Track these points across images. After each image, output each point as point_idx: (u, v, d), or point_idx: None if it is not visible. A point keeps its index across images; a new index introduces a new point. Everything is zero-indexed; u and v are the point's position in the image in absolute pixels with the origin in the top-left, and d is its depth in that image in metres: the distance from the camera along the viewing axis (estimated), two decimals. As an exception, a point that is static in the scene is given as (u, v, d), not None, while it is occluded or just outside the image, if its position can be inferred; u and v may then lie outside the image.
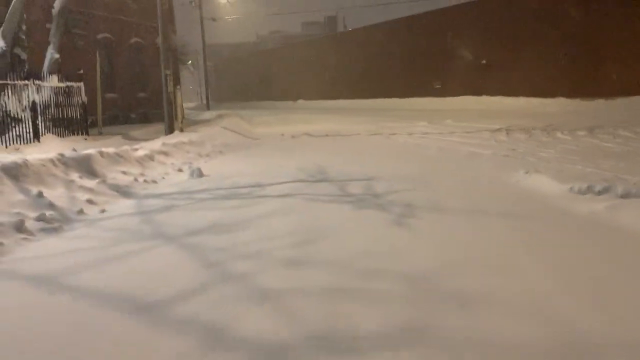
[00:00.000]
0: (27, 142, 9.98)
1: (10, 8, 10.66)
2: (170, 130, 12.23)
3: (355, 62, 33.21)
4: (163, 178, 6.90)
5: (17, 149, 9.09)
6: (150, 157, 7.40)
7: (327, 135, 12.62)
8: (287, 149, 10.11)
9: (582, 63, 20.30)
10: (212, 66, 60.99)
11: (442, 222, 4.17)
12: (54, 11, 12.18)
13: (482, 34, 24.36)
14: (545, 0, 21.49)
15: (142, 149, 7.57)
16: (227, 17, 44.08)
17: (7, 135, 9.67)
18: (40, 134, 10.41)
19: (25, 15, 11.05)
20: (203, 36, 32.79)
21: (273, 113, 27.57)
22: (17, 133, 9.83)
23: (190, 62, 44.37)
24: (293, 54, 40.91)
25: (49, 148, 8.69)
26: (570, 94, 20.36)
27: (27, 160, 4.95)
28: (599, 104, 18.71)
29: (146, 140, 10.95)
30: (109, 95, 18.68)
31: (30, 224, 4.13)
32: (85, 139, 11.68)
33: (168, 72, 12.15)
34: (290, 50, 42.11)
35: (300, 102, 38.75)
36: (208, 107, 31.64)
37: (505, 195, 5.10)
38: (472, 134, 11.63)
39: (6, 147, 9.36)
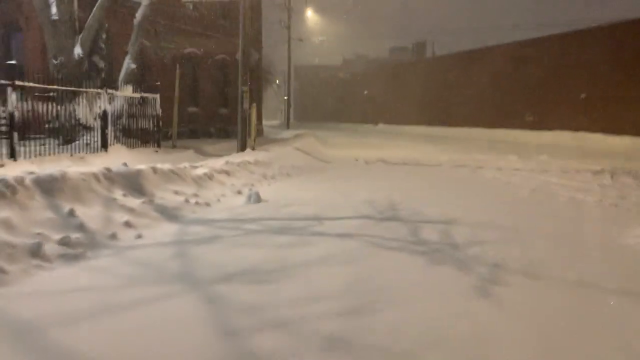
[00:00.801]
0: (94, 151, 9.94)
1: (90, 16, 10.82)
2: (242, 147, 11.87)
3: (441, 88, 31.96)
4: (218, 200, 6.33)
5: (81, 158, 9.02)
6: (209, 177, 6.88)
7: (404, 164, 11.69)
8: (358, 177, 9.31)
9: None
10: (297, 86, 62.10)
11: (542, 296, 3.17)
12: (135, 21, 12.31)
13: (582, 66, 22.38)
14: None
15: (203, 167, 7.09)
16: (314, 39, 44.48)
17: (75, 144, 9.67)
18: (109, 143, 10.37)
19: (107, 25, 11.20)
20: (289, 56, 33.08)
21: (351, 135, 26.96)
22: (86, 141, 9.82)
23: (277, 81, 45.15)
24: (378, 78, 40.32)
25: (115, 158, 8.50)
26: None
27: (65, 173, 4.51)
28: None
29: (219, 156, 10.62)
30: (191, 109, 18.92)
31: (49, 248, 3.62)
32: (156, 151, 11.58)
33: (245, 88, 11.84)
34: (376, 74, 41.56)
35: (381, 126, 37.93)
36: (288, 126, 31.67)
37: (621, 262, 3.96)
38: (569, 174, 10.23)
39: (71, 155, 9.32)
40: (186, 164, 7.00)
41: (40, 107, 9.18)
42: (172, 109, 13.79)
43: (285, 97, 38.28)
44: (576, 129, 22.03)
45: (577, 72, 22.61)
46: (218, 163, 7.76)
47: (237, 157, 9.16)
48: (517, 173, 10.18)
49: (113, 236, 4.22)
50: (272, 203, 6.29)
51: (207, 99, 20.44)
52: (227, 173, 7.41)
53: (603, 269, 3.80)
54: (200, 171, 6.82)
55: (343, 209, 5.98)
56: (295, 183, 8.27)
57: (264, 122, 62.38)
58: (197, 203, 5.83)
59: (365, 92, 41.00)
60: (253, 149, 12.01)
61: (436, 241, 4.47)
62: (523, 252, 4.16)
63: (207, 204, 5.99)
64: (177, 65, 14.90)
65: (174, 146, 13.41)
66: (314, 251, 4.09)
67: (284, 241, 4.43)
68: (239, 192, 6.82)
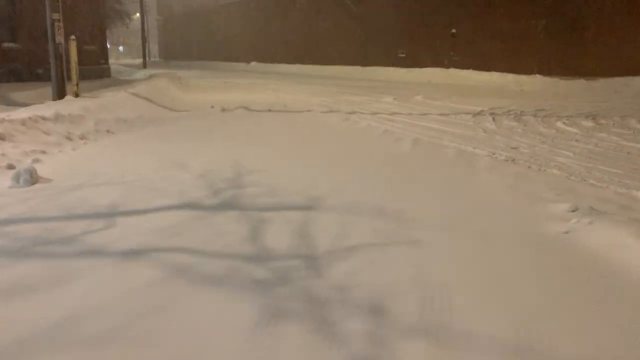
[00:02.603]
0: None
1: None
2: (59, 94, 9.20)
3: (313, 24, 30.11)
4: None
5: None
6: (-36, 145, 4.54)
7: (269, 110, 9.91)
8: (207, 132, 7.37)
9: (561, 38, 18.17)
10: (160, 20, 56.18)
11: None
12: None
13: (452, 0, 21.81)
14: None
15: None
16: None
17: None
18: None
19: None
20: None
21: (220, 76, 24.38)
22: None
23: (137, 15, 39.87)
24: (249, 12, 37.18)
25: None
26: (548, 71, 18.32)
27: None
28: (580, 84, 16.70)
29: (26, 105, 7.97)
30: (6, 45, 15.19)
31: None
32: None
33: (56, 16, 9.02)
34: (247, 7, 38.22)
35: (254, 64, 35.41)
36: (145, 66, 27.93)
37: (564, 277, 2.65)
38: (450, 117, 9.22)
39: None
40: None
41: None
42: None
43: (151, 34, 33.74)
44: (447, 65, 21.72)
45: (447, 6, 22.02)
46: (-10, 122, 5.34)
47: (43, 109, 6.71)
48: (394, 118, 8.92)
49: None
50: (56, 184, 4.20)
51: (30, 32, 16.56)
52: (1, 137, 5.07)
53: (547, 297, 2.43)
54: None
55: (163, 189, 4.10)
56: (113, 145, 6.11)
57: (123, 60, 56.47)
58: None
59: (237, 28, 37.86)
60: (76, 95, 9.40)
61: (285, 254, 2.81)
62: (419, 266, 2.67)
63: None
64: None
65: (-30, 94, 10.24)
66: (62, 301, 2.22)
67: (16, 277, 2.49)
68: (10, 167, 4.58)
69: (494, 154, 5.83)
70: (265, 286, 2.42)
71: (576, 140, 6.86)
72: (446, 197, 4.02)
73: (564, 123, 8.42)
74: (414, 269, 2.63)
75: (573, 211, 3.44)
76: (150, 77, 17.59)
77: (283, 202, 3.77)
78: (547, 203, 3.78)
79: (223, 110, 9.50)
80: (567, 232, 3.13)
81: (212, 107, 9.91)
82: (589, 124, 8.35)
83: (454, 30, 22.13)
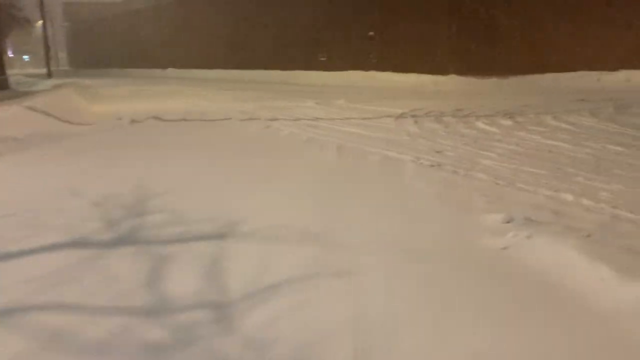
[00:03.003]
0: None
1: None
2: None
3: (235, 27, 29.36)
4: None
5: None
6: None
7: (184, 120, 9.26)
8: (110, 147, 6.66)
9: (473, 38, 18.79)
10: (68, 27, 52.86)
11: None
12: None
13: (371, 2, 21.99)
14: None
15: None
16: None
17: None
18: None
19: None
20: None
21: (134, 83, 23.08)
22: None
23: (41, 22, 37.12)
24: (165, 16, 35.65)
25: None
26: (462, 71, 18.85)
27: None
28: (493, 82, 17.33)
29: None
30: None
31: None
32: None
33: None
34: (161, 11, 36.65)
35: (171, 70, 34.00)
36: (49, 75, 25.90)
37: (516, 306, 2.37)
38: (372, 120, 9.03)
39: None
40: None
41: None
42: None
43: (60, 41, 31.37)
44: (366, 68, 21.84)
45: (364, 9, 22.17)
46: None
47: None
48: (318, 124, 8.59)
49: None
50: None
51: None
52: None
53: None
54: None
55: (47, 223, 3.46)
56: (-3, 169, 5.30)
57: (30, 70, 52.54)
58: None
59: (151, 33, 36.27)
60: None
61: (190, 302, 2.31)
62: (354, 313, 2.28)
63: None
64: None
65: None
66: None
67: None
68: None
69: (419, 159, 5.62)
70: (161, 352, 1.93)
71: (498, 141, 6.83)
72: (376, 213, 3.69)
73: (484, 123, 8.46)
74: (347, 311, 2.24)
75: (508, 222, 3.21)
76: (55, 87, 16.23)
77: (192, 232, 3.27)
78: (480, 213, 3.54)
79: (132, 121, 8.74)
80: (505, 248, 2.88)
81: (120, 118, 9.11)
82: (507, 122, 8.44)
83: (371, 33, 22.32)
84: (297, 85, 20.60)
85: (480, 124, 8.36)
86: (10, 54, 65.81)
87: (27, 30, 25.58)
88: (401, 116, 9.51)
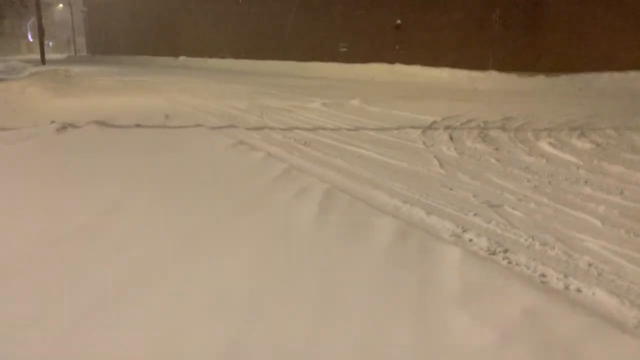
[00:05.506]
0: None
1: None
2: None
3: (246, 16, 26.98)
4: None
5: None
6: None
7: (138, 126, 6.93)
8: (27, 175, 4.37)
9: (518, 30, 16.01)
10: (86, 12, 51.40)
11: None
12: None
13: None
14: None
15: None
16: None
17: None
18: None
19: None
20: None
21: (135, 72, 20.99)
22: None
23: (60, 6, 35.47)
24: (180, 4, 33.48)
25: None
26: (504, 66, 16.10)
27: None
28: (540, 80, 14.54)
29: None
30: None
31: None
32: None
33: None
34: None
35: (183, 59, 31.94)
36: (43, 61, 23.96)
37: None
38: (391, 133, 6.56)
39: None
40: None
41: None
42: None
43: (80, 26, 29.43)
44: (392, 61, 19.21)
45: (391, -7, 19.48)
46: None
47: None
48: (313, 139, 6.15)
49: None
50: None
51: None
52: None
53: None
54: None
55: None
56: None
57: (53, 56, 51.39)
58: None
59: (165, 21, 34.25)
60: None
61: None
62: None
63: None
64: None
65: None
66: None
67: None
68: None
69: (464, 229, 3.14)
70: None
71: (586, 182, 4.31)
72: None
73: (549, 143, 5.91)
74: None
75: None
76: (29, 75, 14.16)
77: None
78: None
79: (63, 128, 6.44)
80: None
81: (52, 122, 6.82)
82: (583, 144, 5.88)
83: (399, 21, 19.65)
84: (312, 78, 18.09)
85: (544, 145, 5.82)
86: (29, 39, 64.99)
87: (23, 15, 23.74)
88: (431, 127, 7.02)
